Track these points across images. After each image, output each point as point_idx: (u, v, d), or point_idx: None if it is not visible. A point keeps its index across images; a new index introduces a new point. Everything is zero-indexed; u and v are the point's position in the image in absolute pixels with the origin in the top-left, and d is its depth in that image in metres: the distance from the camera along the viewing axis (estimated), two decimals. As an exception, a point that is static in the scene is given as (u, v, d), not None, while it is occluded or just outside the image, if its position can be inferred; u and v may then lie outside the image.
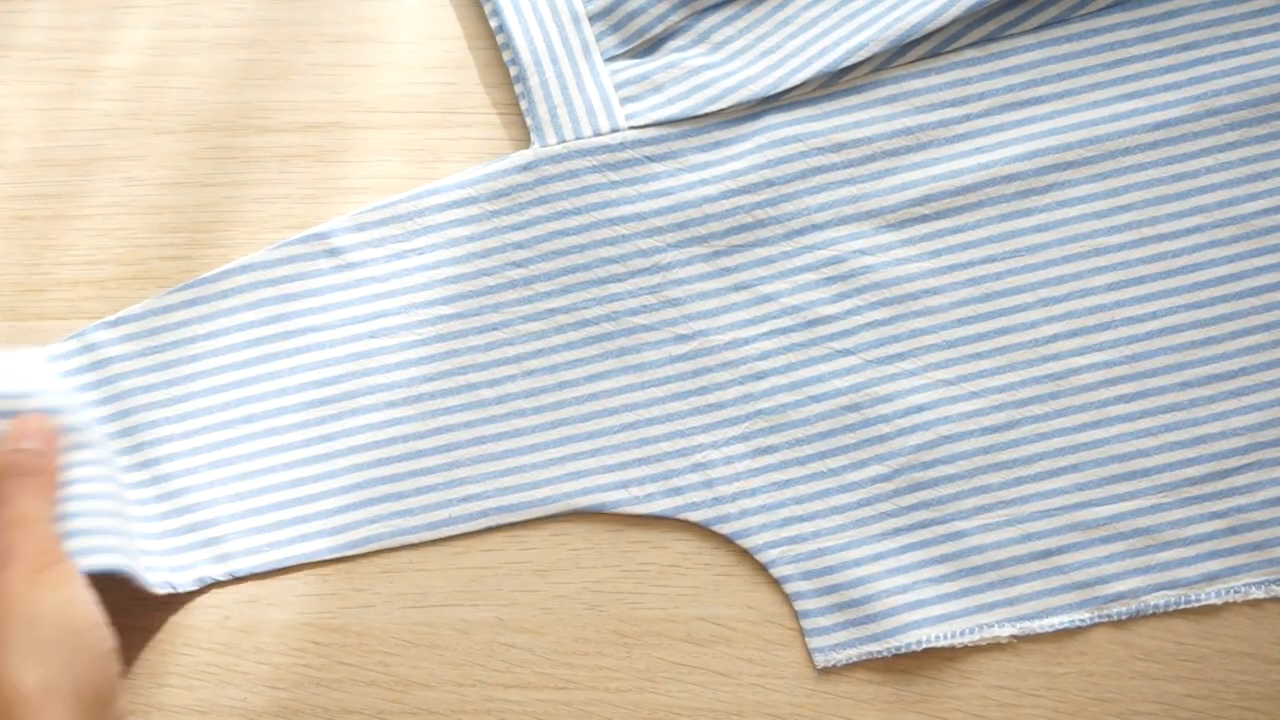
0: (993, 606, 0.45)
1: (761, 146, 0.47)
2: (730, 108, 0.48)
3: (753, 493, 0.46)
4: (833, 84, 0.48)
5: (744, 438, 0.46)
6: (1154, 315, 0.47)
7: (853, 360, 0.47)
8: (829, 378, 0.47)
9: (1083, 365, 0.46)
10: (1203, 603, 0.45)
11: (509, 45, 0.49)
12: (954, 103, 0.48)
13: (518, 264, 0.47)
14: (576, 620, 0.46)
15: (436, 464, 0.46)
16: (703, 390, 0.47)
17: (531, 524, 0.47)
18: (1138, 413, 0.46)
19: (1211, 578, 0.45)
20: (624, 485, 0.46)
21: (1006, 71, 0.48)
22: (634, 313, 0.47)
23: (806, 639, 0.45)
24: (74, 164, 0.49)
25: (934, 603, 0.45)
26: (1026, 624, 0.45)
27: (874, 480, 0.46)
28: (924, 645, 0.45)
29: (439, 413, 0.47)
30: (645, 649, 0.46)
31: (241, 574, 0.46)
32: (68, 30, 0.50)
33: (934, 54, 0.48)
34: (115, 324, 0.47)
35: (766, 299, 0.47)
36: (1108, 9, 0.48)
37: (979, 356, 0.47)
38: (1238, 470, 0.46)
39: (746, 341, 0.47)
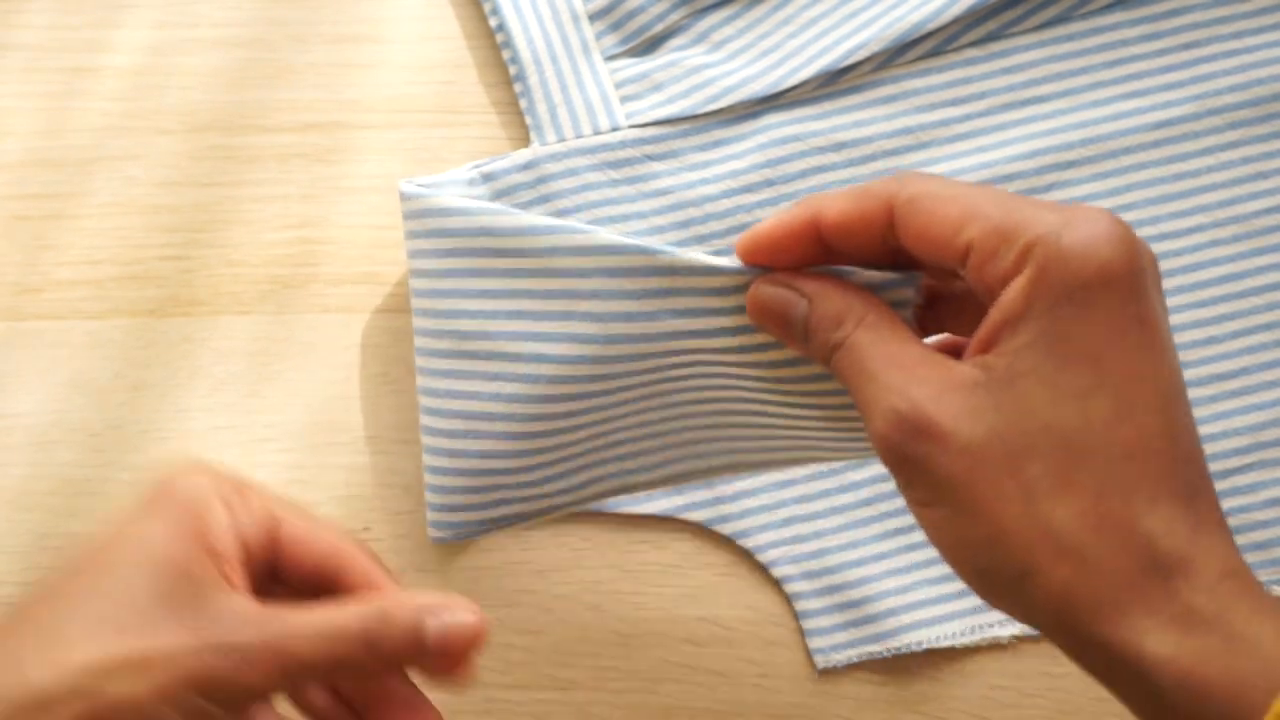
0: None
1: (762, 145, 0.47)
2: (730, 107, 0.48)
3: (753, 493, 0.46)
4: (833, 83, 0.48)
5: (744, 438, 0.46)
6: (1155, 315, 0.47)
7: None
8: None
9: (1084, 365, 0.46)
10: (1204, 603, 0.45)
11: (508, 44, 0.48)
12: (954, 102, 0.48)
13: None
14: (576, 620, 0.46)
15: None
16: (703, 390, 0.47)
17: (531, 524, 0.46)
18: (1139, 412, 0.46)
19: (1213, 578, 0.45)
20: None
21: (1007, 71, 0.48)
22: (634, 312, 0.47)
23: (806, 639, 0.45)
24: (72, 164, 0.49)
25: (934, 603, 0.45)
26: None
27: (875, 480, 0.46)
28: (924, 646, 0.45)
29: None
30: (645, 649, 0.46)
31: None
32: (65, 30, 0.50)
33: (934, 53, 0.48)
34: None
35: (767, 299, 0.47)
36: (1108, 8, 0.48)
37: (980, 356, 0.47)
38: (1239, 470, 0.46)
39: (747, 341, 0.47)
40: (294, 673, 0.31)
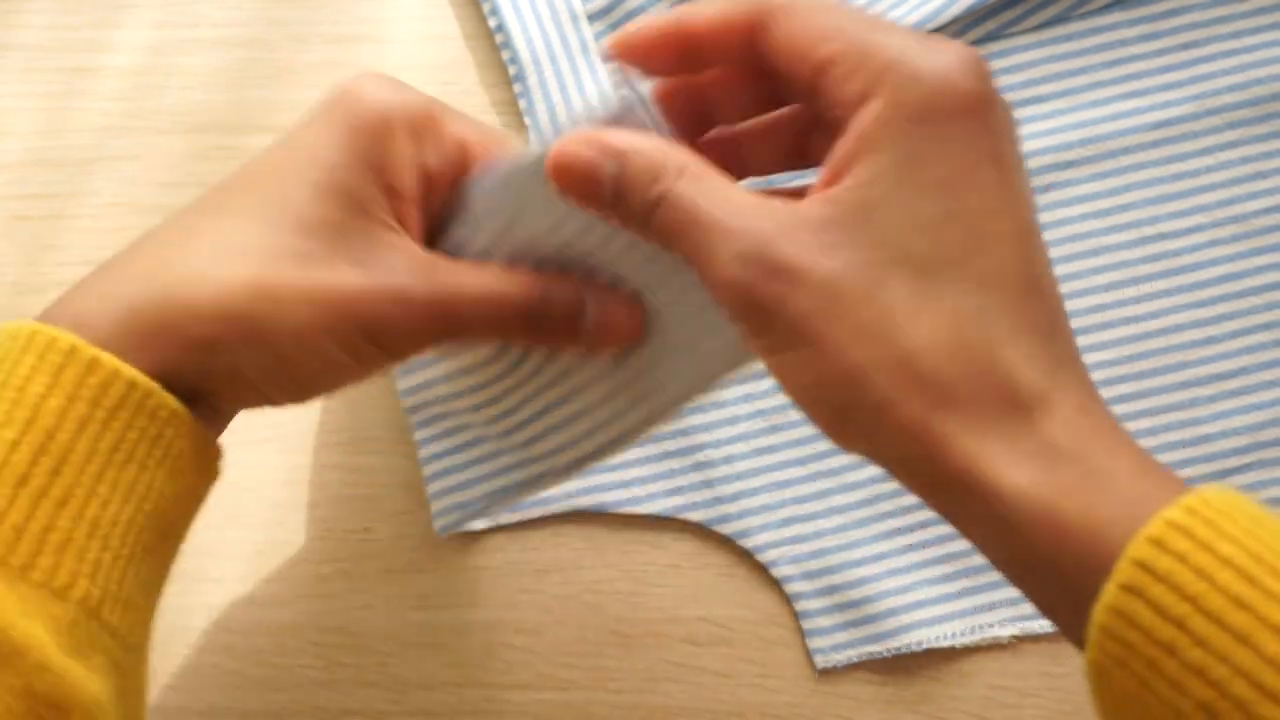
0: (993, 607, 0.45)
1: (761, 146, 0.47)
2: (730, 107, 0.48)
3: (753, 493, 0.46)
4: (832, 83, 0.48)
5: (744, 437, 0.46)
6: (1154, 315, 0.47)
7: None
8: (829, 377, 0.47)
9: (1083, 365, 0.46)
10: (1203, 602, 0.45)
11: (508, 44, 0.48)
12: (954, 102, 0.48)
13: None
14: (576, 620, 0.46)
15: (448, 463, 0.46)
16: (703, 390, 0.47)
17: (531, 524, 0.46)
18: (1138, 413, 0.46)
19: (1212, 577, 0.45)
20: (624, 485, 0.46)
21: (1006, 71, 0.48)
22: (634, 312, 0.47)
23: (806, 639, 0.45)
24: (72, 164, 0.49)
25: (934, 603, 0.45)
26: (1027, 624, 0.45)
27: (874, 480, 0.46)
28: (924, 646, 0.45)
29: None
30: (645, 649, 0.46)
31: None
32: (66, 30, 0.50)
33: (934, 53, 0.48)
34: None
35: (766, 299, 0.47)
36: (1107, 8, 0.48)
37: (979, 356, 0.47)
38: (1239, 470, 0.46)
39: (746, 341, 0.47)
40: (453, 330, 0.33)
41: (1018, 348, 0.27)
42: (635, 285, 0.35)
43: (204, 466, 0.33)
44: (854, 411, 0.28)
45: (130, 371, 0.30)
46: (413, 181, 0.34)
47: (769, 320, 0.28)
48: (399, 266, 0.33)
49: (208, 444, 0.33)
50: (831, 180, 0.29)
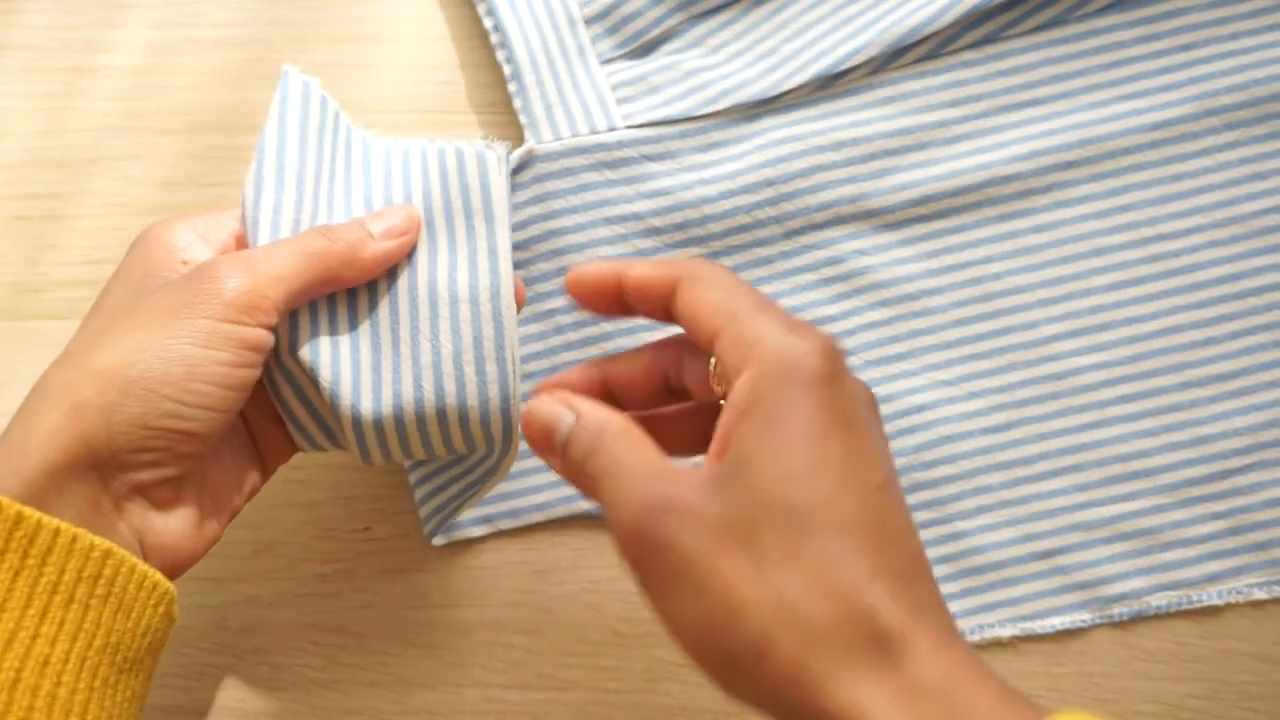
0: (994, 607, 0.45)
1: (760, 147, 0.47)
2: (727, 109, 0.48)
3: (753, 493, 0.46)
4: (830, 86, 0.48)
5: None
6: (1154, 315, 0.47)
7: (852, 360, 0.47)
8: (829, 378, 0.47)
9: (1083, 365, 0.46)
10: (1204, 603, 0.45)
11: (504, 44, 0.48)
12: (953, 103, 0.48)
13: (516, 264, 0.47)
14: (576, 620, 0.46)
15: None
16: (703, 390, 0.47)
17: (531, 524, 0.46)
18: (1138, 413, 0.46)
19: (1213, 578, 0.45)
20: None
21: (1005, 73, 0.48)
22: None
23: (807, 640, 0.45)
24: (72, 164, 0.49)
25: (935, 603, 0.45)
26: (1028, 624, 0.45)
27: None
28: (925, 646, 0.45)
29: None
30: (645, 649, 0.46)
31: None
32: (65, 30, 0.50)
33: (931, 56, 0.48)
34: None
35: (766, 299, 0.47)
36: (1105, 10, 0.48)
37: (978, 357, 0.47)
38: (1239, 470, 0.46)
39: (746, 341, 0.47)
40: (281, 278, 0.37)
41: (879, 589, 0.30)
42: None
43: (153, 600, 0.35)
44: (738, 656, 0.30)
45: (53, 522, 0.33)
46: (206, 254, 0.39)
47: (661, 556, 0.31)
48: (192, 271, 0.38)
49: (146, 576, 0.35)
50: (720, 450, 0.32)
